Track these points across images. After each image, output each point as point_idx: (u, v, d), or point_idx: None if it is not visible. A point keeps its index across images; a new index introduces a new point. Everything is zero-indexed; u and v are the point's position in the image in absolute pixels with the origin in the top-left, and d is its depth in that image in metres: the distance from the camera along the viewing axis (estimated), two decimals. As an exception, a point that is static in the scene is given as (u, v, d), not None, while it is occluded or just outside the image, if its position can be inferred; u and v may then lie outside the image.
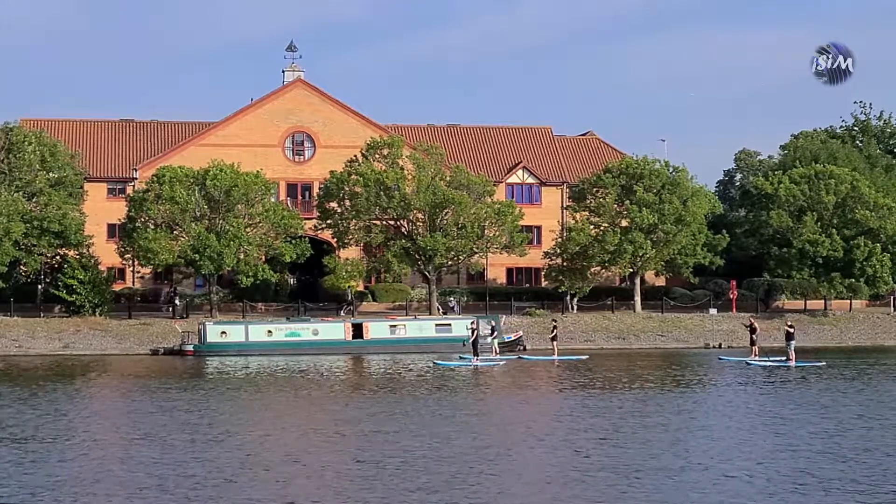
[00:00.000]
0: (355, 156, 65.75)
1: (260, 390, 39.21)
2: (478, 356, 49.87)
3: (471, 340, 50.74)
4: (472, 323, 52.62)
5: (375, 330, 57.37)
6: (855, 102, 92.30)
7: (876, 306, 72.10)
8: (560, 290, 67.09)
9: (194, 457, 23.92)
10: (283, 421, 30.28)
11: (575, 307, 66.86)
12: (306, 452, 24.78)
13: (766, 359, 49.72)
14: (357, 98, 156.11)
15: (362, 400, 35.42)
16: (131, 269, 70.16)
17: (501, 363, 49.62)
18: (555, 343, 53.64)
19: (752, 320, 54.02)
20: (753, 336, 51.51)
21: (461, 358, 50.39)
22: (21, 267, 64.90)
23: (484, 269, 71.68)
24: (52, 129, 72.50)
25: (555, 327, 55.27)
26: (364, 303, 68.44)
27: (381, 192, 63.09)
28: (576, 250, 66.24)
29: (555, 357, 52.08)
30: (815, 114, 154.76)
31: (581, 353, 54.37)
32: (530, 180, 77.97)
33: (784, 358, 49.01)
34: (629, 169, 67.64)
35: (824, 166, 70.76)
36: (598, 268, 67.26)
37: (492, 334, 52.99)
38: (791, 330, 50.13)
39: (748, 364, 48.82)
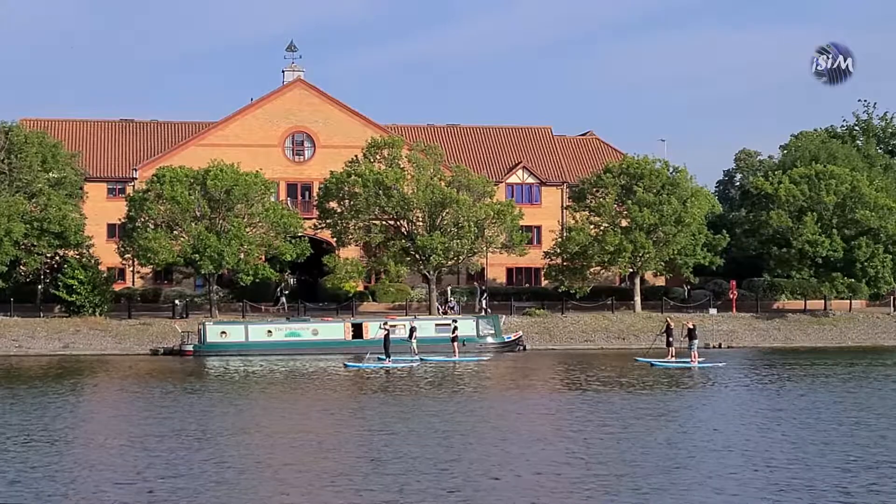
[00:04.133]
0: (355, 156, 65.76)
1: (256, 392, 39.18)
2: (389, 357, 49.84)
3: (385, 343, 50.85)
4: (385, 324, 53.10)
5: (375, 330, 57.29)
6: (859, 101, 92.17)
7: (876, 306, 72.06)
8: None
9: (184, 460, 23.83)
10: (275, 424, 30.26)
11: (486, 308, 66.02)
12: (289, 456, 24.76)
13: (673, 360, 48.72)
14: (357, 98, 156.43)
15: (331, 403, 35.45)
16: (131, 269, 70.15)
17: (415, 364, 49.38)
18: (455, 344, 53.23)
19: (669, 321, 52.85)
20: (670, 338, 50.35)
21: (378, 359, 50.09)
22: (21, 267, 64.88)
23: (484, 269, 71.68)
24: (52, 129, 72.53)
25: (455, 328, 54.54)
26: (364, 303, 68.47)
27: (381, 192, 63.09)
28: (576, 250, 66.26)
29: (455, 359, 51.81)
30: (815, 114, 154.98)
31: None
32: (530, 180, 77.96)
33: (688, 359, 48.08)
34: (629, 169, 67.63)
35: (824, 166, 70.72)
36: (598, 268, 67.28)
37: (411, 336, 52.92)
38: (693, 330, 49.25)
39: (652, 365, 47.84)
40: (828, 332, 65.76)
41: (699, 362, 47.78)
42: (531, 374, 46.36)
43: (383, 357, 50.01)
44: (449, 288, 68.49)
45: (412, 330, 53.37)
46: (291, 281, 72.69)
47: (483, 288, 68.49)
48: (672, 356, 49.55)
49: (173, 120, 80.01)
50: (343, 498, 19.89)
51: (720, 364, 48.05)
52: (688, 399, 35.44)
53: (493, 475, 21.71)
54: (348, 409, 32.88)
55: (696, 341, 48.83)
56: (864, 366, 48.82)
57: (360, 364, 48.24)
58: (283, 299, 65.70)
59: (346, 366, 48.21)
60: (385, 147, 65.42)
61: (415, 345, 52.48)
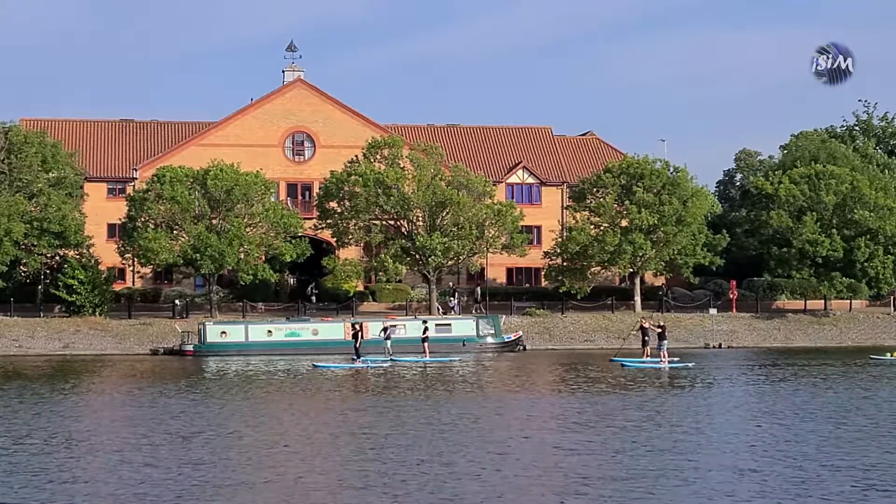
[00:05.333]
0: (355, 156, 65.79)
1: (253, 393, 39.16)
2: (360, 357, 49.86)
3: (355, 343, 51.01)
4: (357, 325, 53.16)
5: (375, 330, 57.28)
6: (859, 101, 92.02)
7: (876, 306, 72.05)
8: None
9: (177, 461, 23.77)
10: (269, 424, 30.26)
11: (455, 308, 65.62)
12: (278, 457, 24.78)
13: (648, 360, 48.63)
14: (357, 98, 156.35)
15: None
16: (131, 269, 70.17)
17: (387, 364, 49.32)
18: (425, 344, 52.69)
19: (643, 322, 52.41)
20: (645, 338, 50.23)
21: (353, 360, 50.08)
22: (21, 267, 64.94)
23: (483, 269, 71.67)
24: (52, 129, 72.55)
25: (425, 329, 53.95)
26: (364, 303, 68.49)
27: (381, 192, 63.11)
28: (576, 250, 66.28)
29: (426, 359, 51.43)
30: (815, 114, 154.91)
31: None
32: (530, 180, 77.98)
33: (657, 359, 48.01)
34: (629, 169, 67.67)
35: (824, 166, 70.75)
36: (598, 268, 67.30)
37: (385, 335, 52.96)
38: (662, 330, 48.99)
39: (624, 366, 47.65)
40: (828, 332, 65.76)
41: (669, 362, 47.70)
42: (523, 374, 46.33)
43: (355, 357, 50.15)
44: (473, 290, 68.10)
45: (385, 329, 53.38)
46: (292, 281, 72.73)
47: (455, 288, 68.36)
48: (647, 356, 49.59)
49: (173, 120, 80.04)
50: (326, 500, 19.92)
51: (689, 364, 47.92)
52: (651, 399, 35.15)
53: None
54: (333, 411, 32.89)
55: (665, 342, 48.76)
56: (833, 367, 48.61)
57: (328, 365, 48.15)
58: (314, 298, 65.69)
59: (314, 366, 48.15)
60: (385, 147, 65.45)
61: (389, 345, 52.52)
